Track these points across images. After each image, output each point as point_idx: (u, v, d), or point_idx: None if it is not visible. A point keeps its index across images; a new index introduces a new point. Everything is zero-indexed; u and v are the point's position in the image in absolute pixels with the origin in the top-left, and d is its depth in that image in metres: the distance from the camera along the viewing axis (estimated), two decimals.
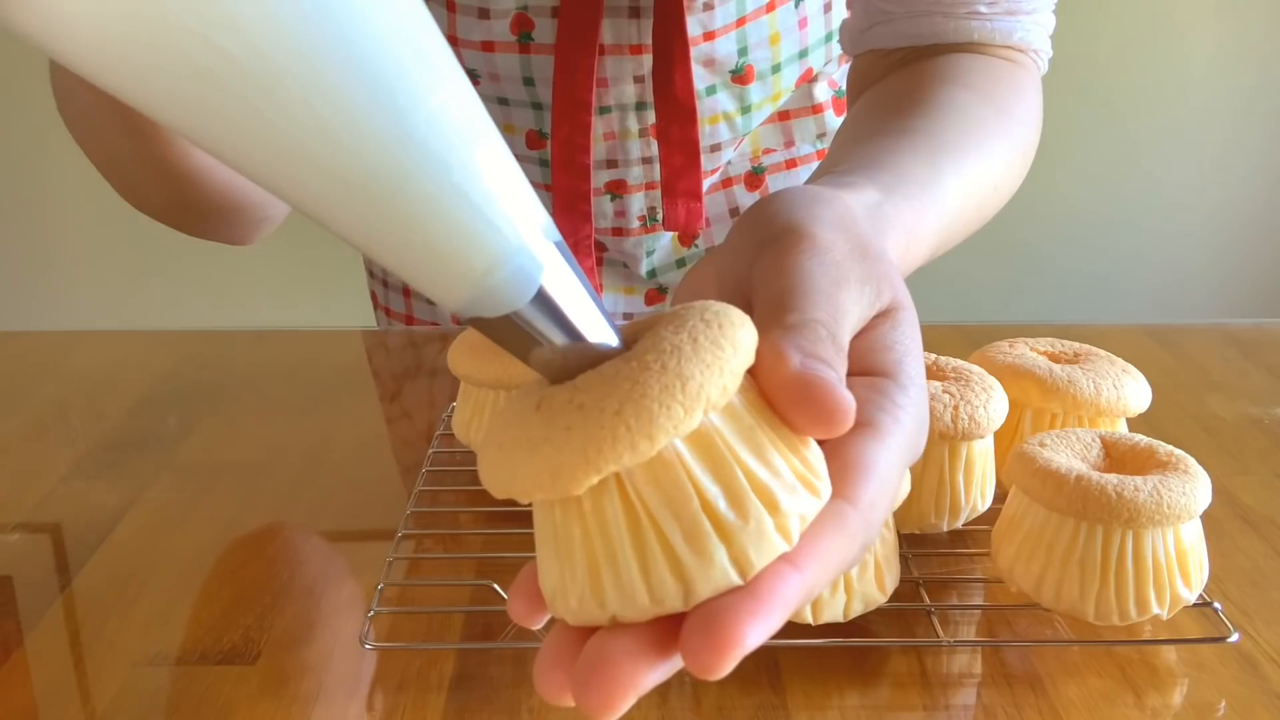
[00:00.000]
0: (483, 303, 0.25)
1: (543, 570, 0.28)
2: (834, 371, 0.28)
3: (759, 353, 0.27)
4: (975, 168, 0.51)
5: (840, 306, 0.31)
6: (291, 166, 0.22)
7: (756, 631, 0.24)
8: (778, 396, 0.27)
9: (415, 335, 0.81)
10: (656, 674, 0.25)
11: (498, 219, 0.24)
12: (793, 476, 0.26)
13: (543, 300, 0.25)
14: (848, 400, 0.27)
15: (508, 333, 0.26)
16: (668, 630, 0.25)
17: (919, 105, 0.53)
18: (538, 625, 0.29)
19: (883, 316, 0.33)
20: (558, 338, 0.26)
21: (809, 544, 0.26)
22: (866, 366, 0.31)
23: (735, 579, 0.25)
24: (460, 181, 0.23)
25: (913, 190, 0.44)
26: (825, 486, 0.27)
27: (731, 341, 0.26)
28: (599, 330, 0.26)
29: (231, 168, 0.23)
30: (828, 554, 0.27)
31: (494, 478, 0.27)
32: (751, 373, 0.27)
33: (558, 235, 0.26)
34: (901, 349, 0.32)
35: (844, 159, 0.47)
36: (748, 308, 0.31)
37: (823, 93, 0.80)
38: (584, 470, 0.25)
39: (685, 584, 0.25)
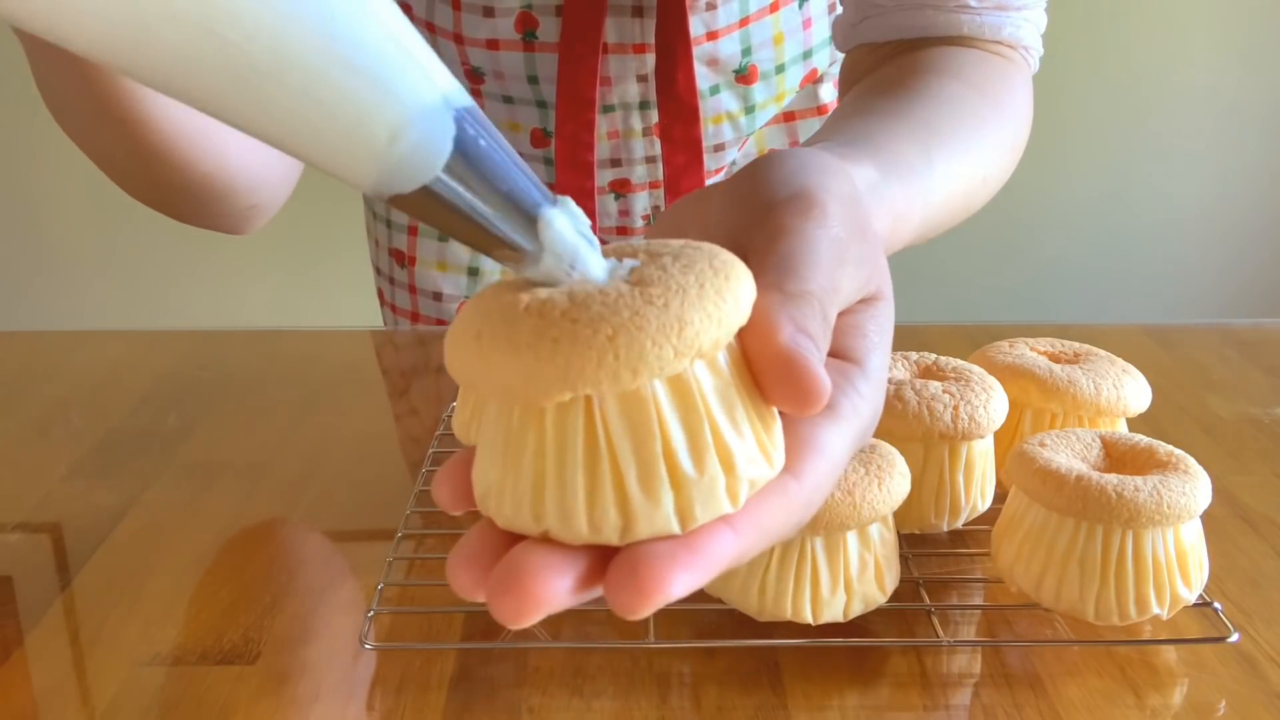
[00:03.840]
0: (394, 178, 0.24)
1: (482, 465, 0.27)
2: (818, 351, 0.28)
3: (752, 314, 0.27)
4: (965, 159, 0.51)
5: (837, 283, 0.31)
6: (171, 58, 0.21)
7: (683, 582, 0.24)
8: (761, 366, 0.27)
9: (422, 334, 0.81)
10: (572, 599, 0.25)
11: (395, 84, 0.23)
12: (754, 443, 0.26)
13: (457, 169, 0.24)
14: (825, 384, 0.27)
15: (433, 210, 0.25)
16: (596, 560, 0.25)
17: (912, 91, 0.53)
18: (457, 513, 0.29)
19: (866, 302, 0.33)
20: (484, 207, 0.25)
21: (750, 511, 0.26)
22: (838, 347, 0.32)
23: (675, 528, 0.25)
24: (346, 51, 0.22)
25: (905, 174, 0.44)
26: (779, 459, 0.27)
27: (735, 296, 0.26)
28: (526, 193, 0.25)
29: (116, 67, 0.22)
30: (766, 523, 0.27)
31: (462, 366, 0.26)
32: (741, 333, 0.27)
33: (469, 100, 0.25)
34: (875, 339, 0.32)
35: (839, 131, 0.47)
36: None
37: (828, 94, 0.80)
38: (559, 386, 0.24)
39: (626, 520, 0.25)
